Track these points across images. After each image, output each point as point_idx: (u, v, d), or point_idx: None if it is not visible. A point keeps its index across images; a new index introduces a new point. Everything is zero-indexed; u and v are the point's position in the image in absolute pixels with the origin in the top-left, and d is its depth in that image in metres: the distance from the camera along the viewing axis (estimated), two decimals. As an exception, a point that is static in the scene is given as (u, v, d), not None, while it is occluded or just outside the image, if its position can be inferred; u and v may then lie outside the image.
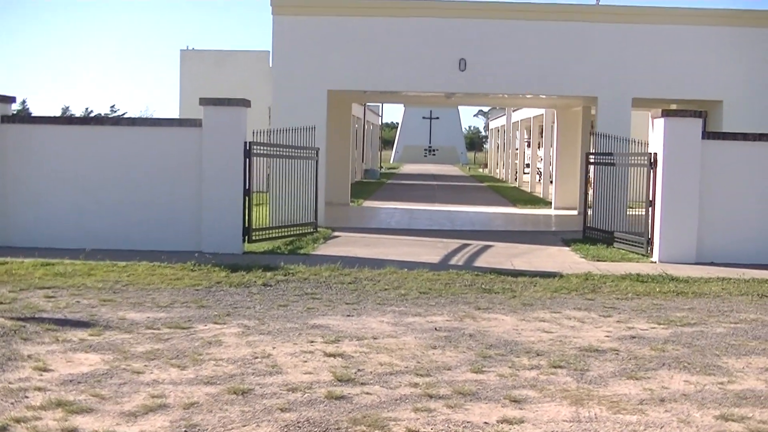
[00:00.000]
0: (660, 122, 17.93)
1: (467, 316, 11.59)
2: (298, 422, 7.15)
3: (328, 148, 24.33)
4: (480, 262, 17.02)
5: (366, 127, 53.42)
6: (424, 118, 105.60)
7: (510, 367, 8.94)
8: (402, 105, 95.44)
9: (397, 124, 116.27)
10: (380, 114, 70.42)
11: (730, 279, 15.49)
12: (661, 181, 17.72)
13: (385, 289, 13.38)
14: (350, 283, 13.89)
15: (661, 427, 7.24)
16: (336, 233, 21.09)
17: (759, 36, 23.94)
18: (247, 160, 17.80)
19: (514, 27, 23.59)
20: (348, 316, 11.43)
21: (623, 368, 9.03)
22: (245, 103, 17.86)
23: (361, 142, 50.14)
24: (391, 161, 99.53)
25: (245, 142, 17.75)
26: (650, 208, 18.07)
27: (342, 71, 23.35)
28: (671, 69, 23.75)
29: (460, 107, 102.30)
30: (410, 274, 14.73)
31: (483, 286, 13.88)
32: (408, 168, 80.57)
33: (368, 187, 43.12)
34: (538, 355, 9.51)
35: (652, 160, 18.03)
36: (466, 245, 19.42)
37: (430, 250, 18.40)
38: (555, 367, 8.96)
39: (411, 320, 11.21)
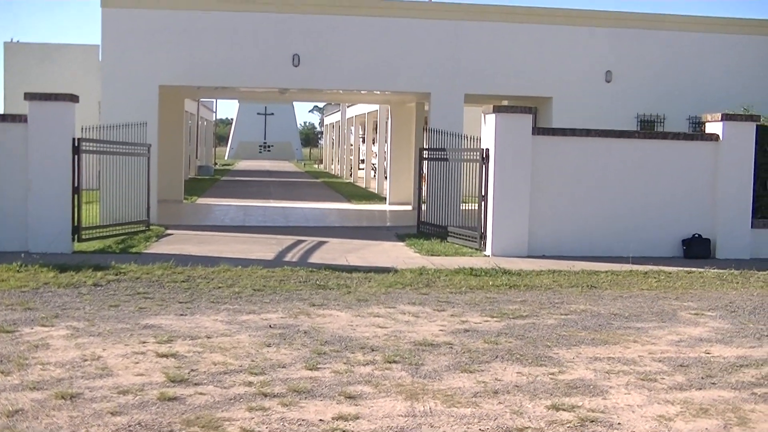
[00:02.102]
0: (491, 118, 18.22)
1: (302, 312, 11.51)
2: (129, 426, 6.93)
3: (160, 144, 23.88)
4: (314, 258, 16.96)
5: (200, 123, 52.75)
6: (258, 114, 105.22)
7: (345, 364, 8.90)
8: (236, 101, 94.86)
9: (232, 119, 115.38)
10: (214, 110, 69.63)
11: (561, 271, 15.86)
12: (493, 176, 18.01)
13: (219, 287, 13.18)
14: (183, 281, 13.63)
15: (495, 419, 7.30)
16: (169, 231, 20.70)
17: (587, 34, 24.65)
18: (76, 157, 17.27)
19: (347, 22, 23.62)
20: (181, 315, 11.20)
21: (457, 362, 9.10)
22: (73, 98, 17.32)
23: (194, 138, 49.46)
24: (226, 158, 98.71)
25: (74, 139, 17.23)
26: (483, 203, 18.34)
27: (173, 66, 22.93)
28: (503, 66, 24.21)
29: (295, 103, 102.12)
30: (244, 272, 14.55)
31: (317, 283, 13.82)
32: (243, 164, 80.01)
33: (202, 183, 42.59)
34: (372, 350, 9.49)
35: (484, 156, 18.31)
36: (300, 241, 19.33)
37: (265, 247, 18.23)
38: (390, 363, 8.96)
39: (245, 318, 11.06)
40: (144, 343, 9.58)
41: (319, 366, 8.78)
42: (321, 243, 19.19)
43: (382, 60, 23.79)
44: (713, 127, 19.18)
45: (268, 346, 9.60)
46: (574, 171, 18.52)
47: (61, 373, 8.34)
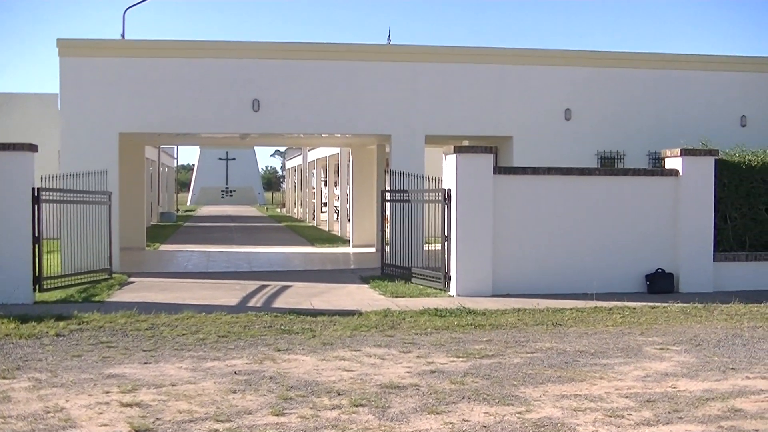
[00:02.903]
0: (452, 158, 18.29)
1: (267, 358, 11.42)
2: (92, 478, 6.83)
3: (121, 191, 23.78)
4: (279, 302, 16.87)
5: (161, 169, 52.57)
6: (220, 159, 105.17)
7: (311, 408, 8.83)
8: (197, 146, 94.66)
9: (194, 165, 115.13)
10: (175, 156, 69.45)
11: (526, 309, 15.88)
12: (456, 216, 18.05)
13: (183, 335, 13.06)
14: (147, 329, 13.50)
15: (464, 461, 7.26)
16: (132, 279, 20.54)
17: (546, 73, 24.85)
18: (36, 206, 17.14)
19: (306, 67, 23.66)
20: (145, 363, 11.09)
21: (424, 403, 9.06)
22: (32, 147, 17.19)
23: (156, 184, 49.26)
24: (188, 203, 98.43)
25: (33, 188, 17.10)
26: (446, 243, 18.36)
27: (133, 114, 22.85)
28: (462, 106, 24.32)
29: (256, 147, 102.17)
30: (208, 318, 14.44)
31: (282, 327, 13.73)
32: (205, 210, 79.76)
33: (164, 230, 42.35)
34: (339, 394, 9.43)
35: (446, 196, 18.35)
36: (264, 286, 19.23)
37: (229, 293, 18.13)
38: (356, 406, 8.90)
39: (210, 365, 10.96)
40: (108, 392, 9.47)
41: (285, 411, 8.70)
42: (285, 287, 19.10)
43: (342, 103, 23.85)
44: (673, 162, 19.35)
45: (234, 392, 9.51)
46: (536, 209, 18.58)
47: (23, 426, 8.21)
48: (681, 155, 19.10)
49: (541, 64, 24.98)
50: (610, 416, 8.59)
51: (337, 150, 40.49)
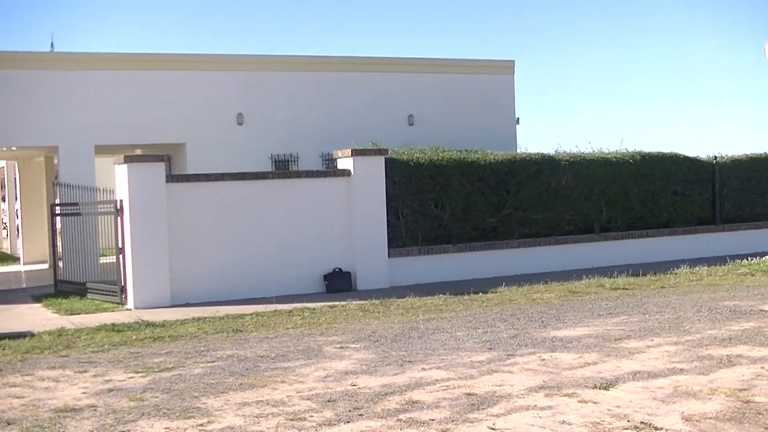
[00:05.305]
0: (122, 168, 17.79)
1: (-71, 390, 10.62)
2: None
3: None
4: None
5: None
6: None
7: (-22, 441, 8.26)
8: None
9: None
10: None
11: (206, 318, 15.68)
12: (129, 227, 17.58)
13: None
14: None
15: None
16: None
17: (217, 78, 24.76)
18: None
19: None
20: None
21: (101, 424, 8.67)
22: None
23: None
24: None
25: None
26: (121, 256, 17.85)
27: None
28: (133, 114, 23.81)
29: None
30: None
31: (-54, 356, 12.83)
32: None
33: None
34: (9, 424, 8.86)
35: (118, 207, 17.82)
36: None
37: None
38: (28, 434, 8.41)
39: None
40: None
41: (-53, 448, 8.09)
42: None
43: (2, 114, 22.67)
44: (345, 162, 19.72)
45: None
46: (212, 216, 18.39)
47: None
48: (352, 155, 19.50)
49: (211, 70, 24.86)
50: (293, 419, 8.54)
51: (2, 163, 38.60)
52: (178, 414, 8.97)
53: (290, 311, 16.21)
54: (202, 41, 68.56)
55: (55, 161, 25.81)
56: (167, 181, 18.02)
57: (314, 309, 16.38)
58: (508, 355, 11.37)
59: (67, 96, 23.32)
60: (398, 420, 8.41)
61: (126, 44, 77.48)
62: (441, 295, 17.58)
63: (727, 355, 10.86)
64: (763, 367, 10.07)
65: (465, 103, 27.97)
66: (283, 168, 25.05)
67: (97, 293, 18.70)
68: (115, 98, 23.71)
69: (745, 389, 9.06)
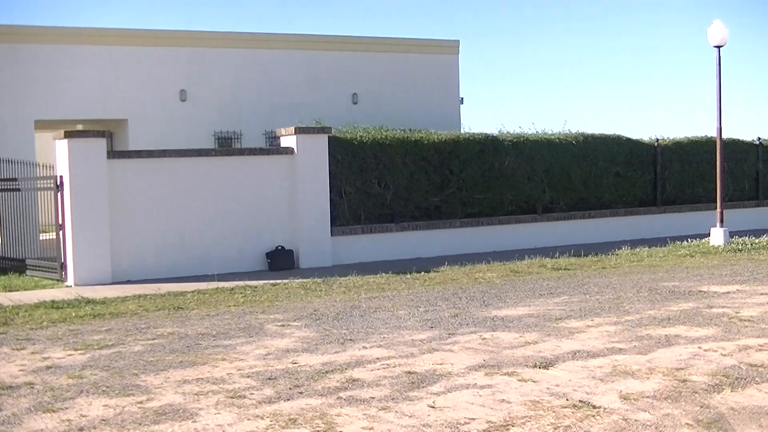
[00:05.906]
0: (63, 144, 17.57)
1: None
2: None
3: None
4: None
5: None
6: None
7: None
8: None
9: None
10: None
11: (147, 295, 15.57)
12: (70, 203, 17.38)
13: None
14: None
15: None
16: None
17: (161, 54, 24.57)
18: None
19: None
20: None
21: (39, 402, 8.59)
22: None
23: None
24: None
25: None
26: (61, 232, 17.66)
27: None
28: (75, 89, 23.57)
29: None
30: None
31: None
32: None
33: None
34: (-56, 400, 8.77)
35: (58, 183, 17.62)
36: None
37: None
38: (-37, 412, 8.31)
39: None
40: None
41: None
42: None
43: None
44: (288, 140, 19.65)
45: None
46: (153, 193, 18.23)
47: None
48: (295, 133, 19.43)
49: (154, 45, 24.66)
50: (233, 397, 8.53)
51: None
52: (117, 392, 8.91)
53: (232, 289, 16.16)
54: (146, 16, 67.80)
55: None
56: (108, 157, 17.82)
57: (256, 287, 16.34)
58: (449, 334, 11.44)
59: (6, 69, 22.99)
60: (338, 398, 8.43)
61: (68, 18, 76.48)
62: (383, 274, 17.62)
63: (666, 335, 11.02)
64: (700, 347, 10.23)
65: (409, 82, 28.05)
66: (226, 145, 24.95)
67: (36, 270, 18.50)
68: (56, 72, 23.43)
69: (682, 368, 9.20)
